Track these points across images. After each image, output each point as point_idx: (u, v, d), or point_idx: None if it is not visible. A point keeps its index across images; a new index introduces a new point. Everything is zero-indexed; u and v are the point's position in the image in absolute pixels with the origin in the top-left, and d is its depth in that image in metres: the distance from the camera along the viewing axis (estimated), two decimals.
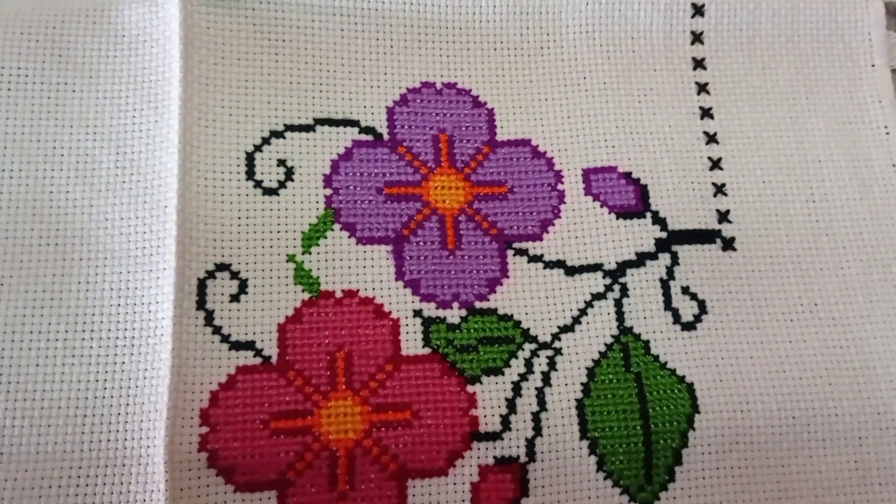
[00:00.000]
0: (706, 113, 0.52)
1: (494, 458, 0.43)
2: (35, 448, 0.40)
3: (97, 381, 0.41)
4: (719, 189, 0.50)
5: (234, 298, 0.44)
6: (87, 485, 0.39)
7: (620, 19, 0.51)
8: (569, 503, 0.42)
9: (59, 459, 0.40)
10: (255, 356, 0.43)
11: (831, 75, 0.53)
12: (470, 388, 0.44)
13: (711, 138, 0.51)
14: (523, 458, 0.43)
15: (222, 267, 0.44)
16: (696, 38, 0.52)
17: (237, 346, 0.43)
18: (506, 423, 0.43)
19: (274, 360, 0.43)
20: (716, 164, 0.50)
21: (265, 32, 0.48)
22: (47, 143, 0.45)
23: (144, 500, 0.39)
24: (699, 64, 0.52)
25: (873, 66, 0.53)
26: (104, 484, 0.39)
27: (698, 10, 0.52)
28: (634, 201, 0.49)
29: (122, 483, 0.39)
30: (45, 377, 0.41)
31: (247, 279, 0.44)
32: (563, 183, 0.49)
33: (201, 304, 0.43)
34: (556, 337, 0.45)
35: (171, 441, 0.40)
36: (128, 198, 0.44)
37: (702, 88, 0.52)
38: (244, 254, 0.44)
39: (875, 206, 0.50)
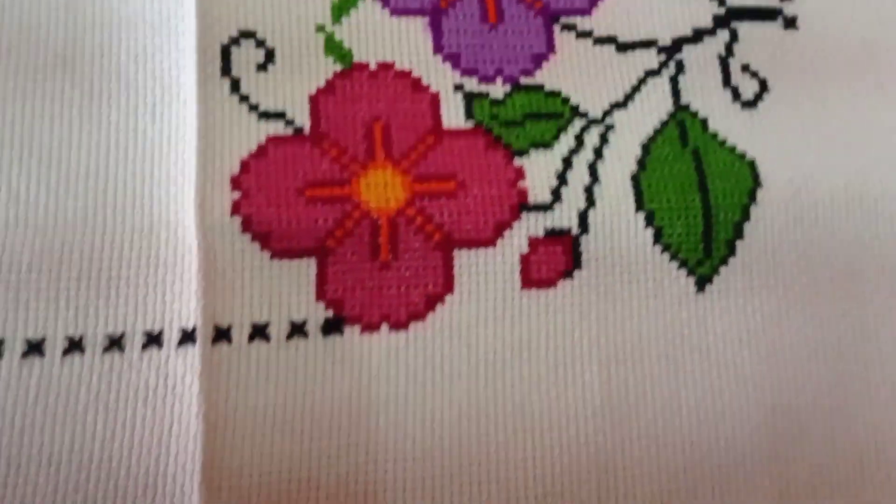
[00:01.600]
0: None
1: (545, 229, 0.40)
2: (53, 215, 0.37)
3: (118, 147, 0.38)
4: None
5: (262, 67, 0.40)
6: (112, 248, 0.37)
7: None
8: (623, 275, 0.40)
9: (81, 225, 0.37)
10: (286, 126, 0.39)
11: None
12: (517, 162, 0.41)
13: None
14: (575, 230, 0.40)
15: (247, 34, 0.40)
16: None
17: (266, 115, 0.39)
18: (556, 194, 0.40)
19: (306, 131, 0.40)
20: None
21: None
22: None
23: (175, 264, 0.36)
24: None
25: None
26: (131, 249, 0.37)
27: None
28: None
29: (150, 246, 0.37)
30: (62, 142, 0.38)
31: (273, 48, 0.41)
32: None
33: (226, 70, 0.40)
34: (607, 113, 0.42)
35: (201, 203, 0.37)
36: None
37: None
38: (270, 21, 0.41)
39: None
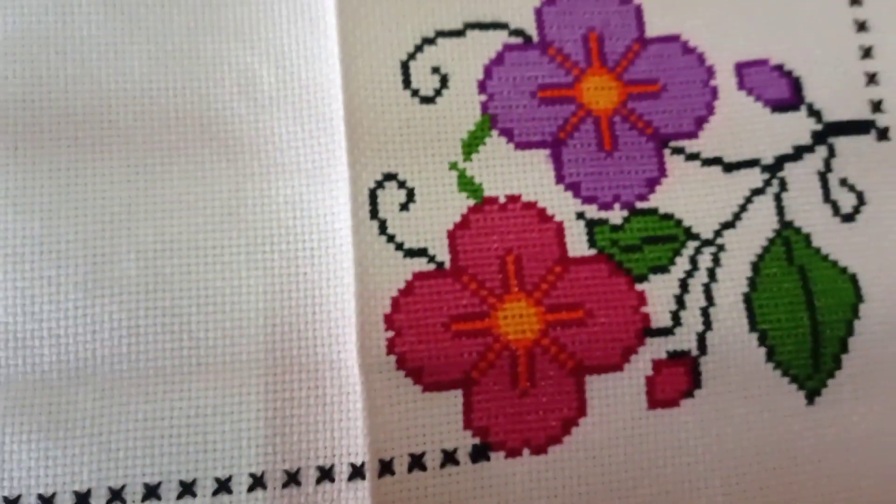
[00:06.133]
0: (855, 0, 0.50)
1: (667, 352, 0.44)
2: (230, 357, 0.41)
3: (282, 291, 0.42)
4: (871, 78, 0.49)
5: (404, 207, 0.44)
6: (284, 389, 0.41)
7: None
8: (739, 392, 0.44)
9: (254, 367, 0.41)
10: (428, 262, 0.44)
11: None
12: (638, 287, 0.44)
13: (861, 26, 0.50)
14: (695, 352, 0.44)
15: (389, 177, 0.44)
16: None
17: (411, 253, 0.44)
18: (676, 318, 0.44)
19: (447, 265, 0.43)
20: (867, 53, 0.49)
21: None
22: (207, 60, 0.45)
23: (341, 402, 0.41)
24: None
25: None
26: (300, 388, 0.41)
27: None
28: (788, 94, 0.48)
29: (318, 387, 0.41)
30: (233, 289, 0.42)
31: (413, 188, 0.45)
32: (715, 78, 0.48)
33: (374, 213, 0.44)
34: (718, 234, 0.46)
35: (361, 345, 0.41)
36: (292, 111, 0.45)
37: None
38: (408, 163, 0.45)
39: None
